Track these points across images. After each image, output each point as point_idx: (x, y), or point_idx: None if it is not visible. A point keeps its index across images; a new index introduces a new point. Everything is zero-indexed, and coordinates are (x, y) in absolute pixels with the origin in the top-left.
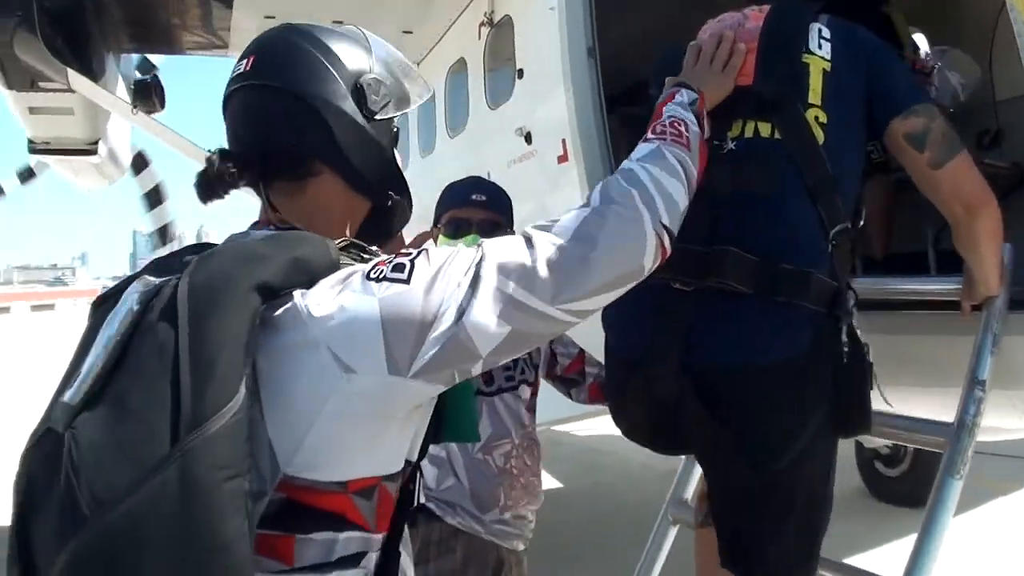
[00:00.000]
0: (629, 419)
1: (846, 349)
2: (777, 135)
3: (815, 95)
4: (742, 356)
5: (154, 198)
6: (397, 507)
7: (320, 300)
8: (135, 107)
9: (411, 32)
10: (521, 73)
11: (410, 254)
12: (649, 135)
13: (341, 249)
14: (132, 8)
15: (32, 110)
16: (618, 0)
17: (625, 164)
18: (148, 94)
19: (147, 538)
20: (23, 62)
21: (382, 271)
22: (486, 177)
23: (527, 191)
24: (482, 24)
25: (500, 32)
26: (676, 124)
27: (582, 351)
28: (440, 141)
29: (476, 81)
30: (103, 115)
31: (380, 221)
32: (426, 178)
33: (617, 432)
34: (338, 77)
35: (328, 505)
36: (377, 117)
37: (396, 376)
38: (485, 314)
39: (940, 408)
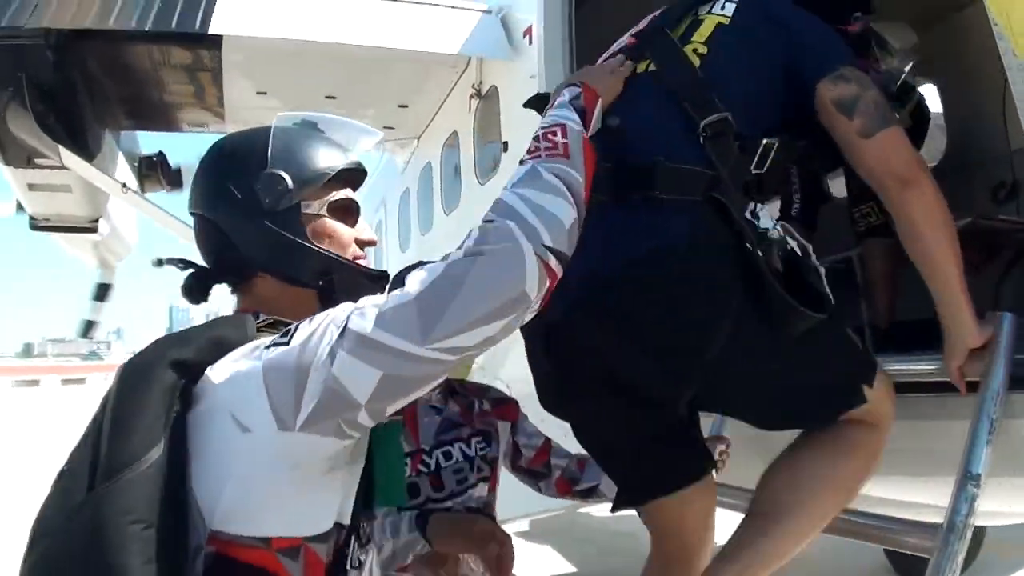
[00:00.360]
0: (544, 383)
1: (748, 241)
2: (652, 67)
3: (699, 37)
4: (616, 256)
5: (102, 293)
6: (331, 570)
7: (222, 370)
8: (126, 186)
9: (407, 106)
10: (506, 146)
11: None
12: (525, 155)
13: (266, 326)
14: (124, 86)
15: (31, 186)
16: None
17: (500, 195)
18: (153, 171)
19: (62, 569)
20: (17, 138)
21: (275, 339)
22: None
23: None
24: (471, 96)
25: (488, 104)
26: (550, 134)
27: (548, 441)
28: (437, 218)
29: (467, 155)
30: (103, 193)
31: (329, 301)
32: (425, 258)
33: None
34: (235, 188)
35: (252, 559)
36: (280, 209)
37: (286, 432)
38: (352, 361)
39: (940, 499)
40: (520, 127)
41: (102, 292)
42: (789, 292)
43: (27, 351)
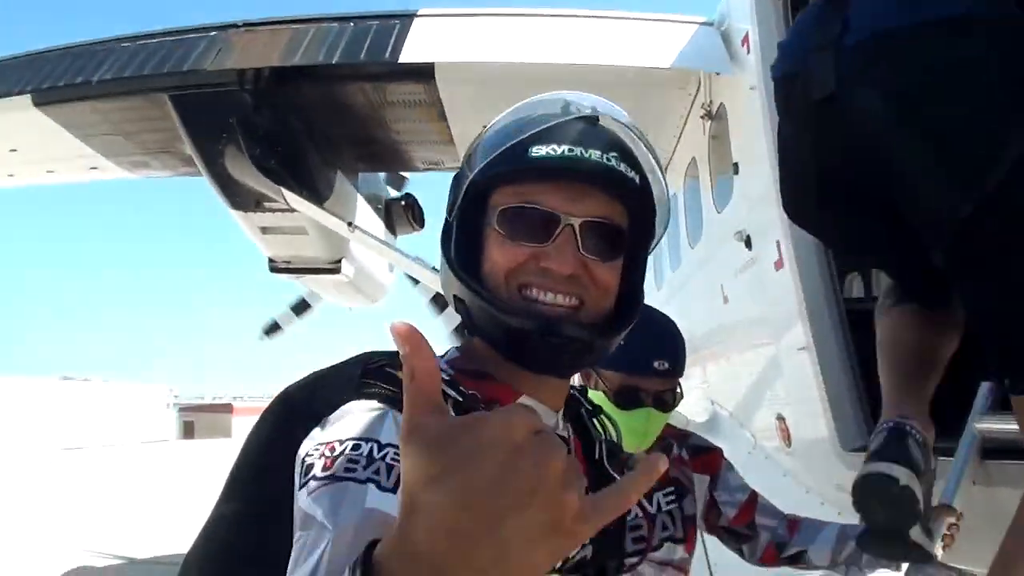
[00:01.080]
0: (799, 183)
1: None
2: None
3: None
4: (915, 10)
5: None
6: None
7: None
8: (352, 225)
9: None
10: (737, 168)
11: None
12: None
13: (376, 368)
14: (347, 127)
15: (264, 230)
16: None
17: None
18: (399, 213)
19: None
20: (240, 183)
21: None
22: (720, 293)
23: (756, 308)
24: (702, 117)
25: (719, 124)
26: None
27: (754, 496)
28: (684, 254)
29: (705, 183)
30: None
31: (502, 348)
32: (675, 298)
33: None
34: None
35: None
36: (451, 220)
37: None
38: None
39: None
40: (746, 145)
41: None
42: None
43: None
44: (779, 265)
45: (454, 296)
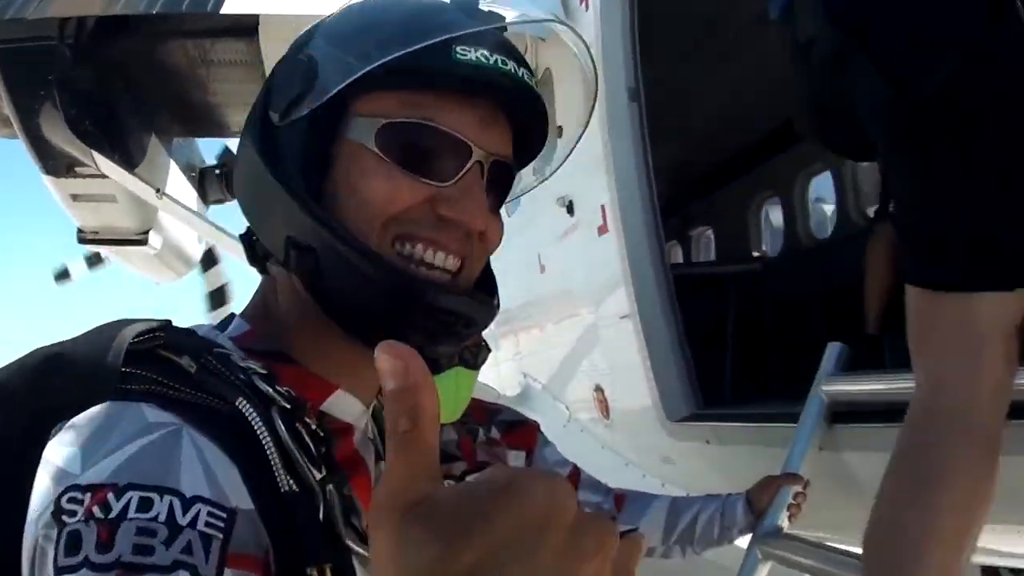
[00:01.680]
0: None
1: None
2: None
3: None
4: None
5: (218, 299)
6: None
7: (41, 472)
8: (160, 191)
9: None
10: (561, 131)
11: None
12: None
13: (146, 347)
14: (165, 88)
15: (74, 197)
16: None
17: None
18: (212, 182)
19: None
20: (53, 145)
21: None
22: (536, 262)
23: (574, 276)
24: None
25: (545, 90)
26: None
27: (576, 471)
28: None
29: None
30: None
31: (355, 316)
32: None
33: None
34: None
35: None
36: (287, 121)
37: None
38: None
39: None
40: (575, 108)
41: (218, 299)
42: None
43: None
44: (603, 230)
45: (287, 240)
